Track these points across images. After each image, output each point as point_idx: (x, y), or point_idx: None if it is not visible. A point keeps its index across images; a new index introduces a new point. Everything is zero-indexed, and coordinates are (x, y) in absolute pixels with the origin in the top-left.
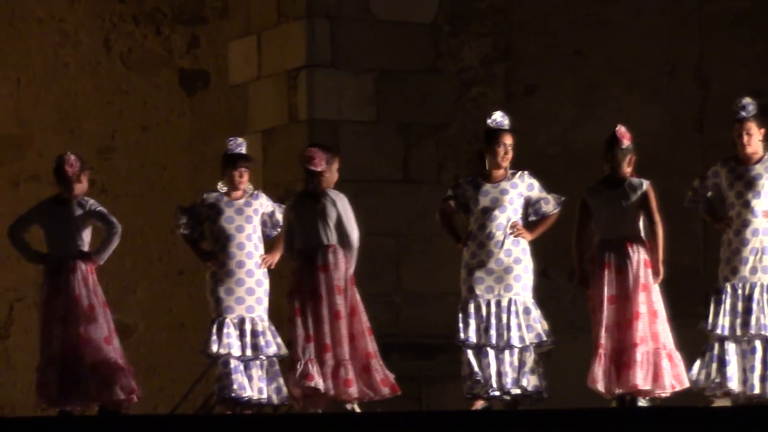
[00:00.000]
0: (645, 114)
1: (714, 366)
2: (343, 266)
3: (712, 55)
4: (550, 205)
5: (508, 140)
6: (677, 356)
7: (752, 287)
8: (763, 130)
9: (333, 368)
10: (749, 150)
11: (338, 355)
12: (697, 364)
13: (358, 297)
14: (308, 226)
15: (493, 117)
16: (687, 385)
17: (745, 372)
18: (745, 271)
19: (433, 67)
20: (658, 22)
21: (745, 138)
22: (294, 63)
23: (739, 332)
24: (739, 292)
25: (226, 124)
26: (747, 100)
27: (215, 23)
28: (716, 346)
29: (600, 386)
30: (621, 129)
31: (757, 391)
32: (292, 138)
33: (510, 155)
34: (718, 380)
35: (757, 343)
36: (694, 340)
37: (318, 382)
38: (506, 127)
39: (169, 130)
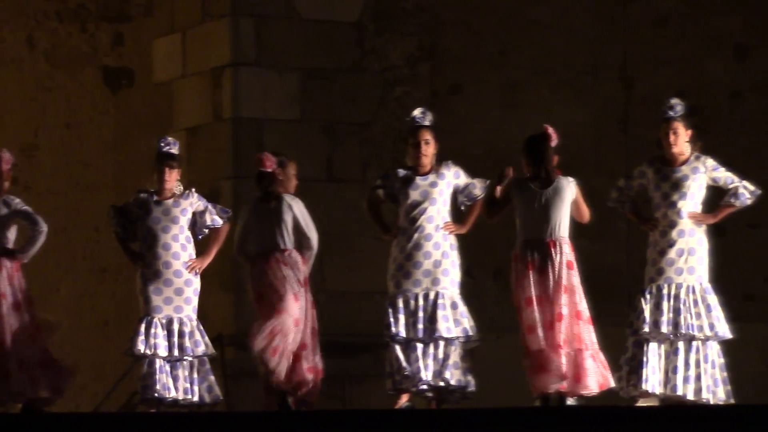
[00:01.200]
0: (569, 114)
1: (629, 367)
2: (301, 269)
3: (636, 56)
4: (478, 189)
5: (426, 136)
6: (601, 356)
7: (678, 288)
8: (689, 132)
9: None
10: (676, 150)
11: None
12: (619, 367)
13: (310, 297)
14: (264, 230)
15: (413, 114)
16: (612, 384)
17: (668, 373)
18: (671, 272)
19: (358, 66)
20: (582, 23)
21: (672, 137)
22: (219, 61)
23: (664, 332)
24: (664, 292)
25: (150, 122)
26: (675, 100)
27: (140, 21)
28: (633, 347)
29: (557, 384)
30: (550, 128)
31: (679, 392)
32: (216, 136)
33: (429, 150)
34: (633, 382)
35: (681, 345)
36: (618, 340)
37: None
38: (424, 123)
39: (92, 127)
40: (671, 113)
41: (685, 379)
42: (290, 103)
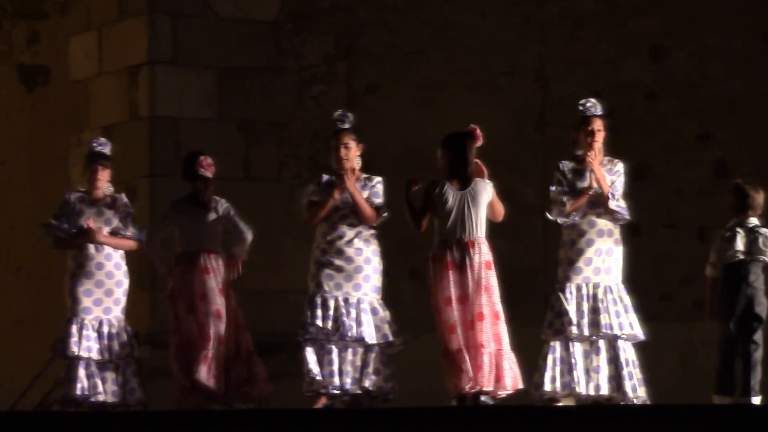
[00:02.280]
0: (486, 114)
1: (560, 369)
2: (224, 272)
3: (553, 56)
4: (379, 202)
5: (346, 140)
6: (513, 357)
7: (596, 287)
8: (606, 133)
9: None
10: (596, 147)
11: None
12: (546, 368)
13: (233, 302)
14: (193, 231)
15: (333, 116)
16: (522, 386)
17: (589, 372)
18: (589, 271)
19: (275, 65)
20: (500, 23)
21: (597, 135)
22: (135, 59)
23: (586, 333)
24: (584, 292)
25: (66, 120)
26: (594, 100)
27: (56, 18)
28: (559, 347)
29: (469, 384)
30: (477, 129)
31: (604, 392)
32: (132, 134)
33: (350, 155)
34: (566, 381)
35: (602, 344)
36: (533, 340)
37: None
38: (344, 127)
39: (8, 126)
40: (593, 111)
41: (611, 378)
42: (207, 102)
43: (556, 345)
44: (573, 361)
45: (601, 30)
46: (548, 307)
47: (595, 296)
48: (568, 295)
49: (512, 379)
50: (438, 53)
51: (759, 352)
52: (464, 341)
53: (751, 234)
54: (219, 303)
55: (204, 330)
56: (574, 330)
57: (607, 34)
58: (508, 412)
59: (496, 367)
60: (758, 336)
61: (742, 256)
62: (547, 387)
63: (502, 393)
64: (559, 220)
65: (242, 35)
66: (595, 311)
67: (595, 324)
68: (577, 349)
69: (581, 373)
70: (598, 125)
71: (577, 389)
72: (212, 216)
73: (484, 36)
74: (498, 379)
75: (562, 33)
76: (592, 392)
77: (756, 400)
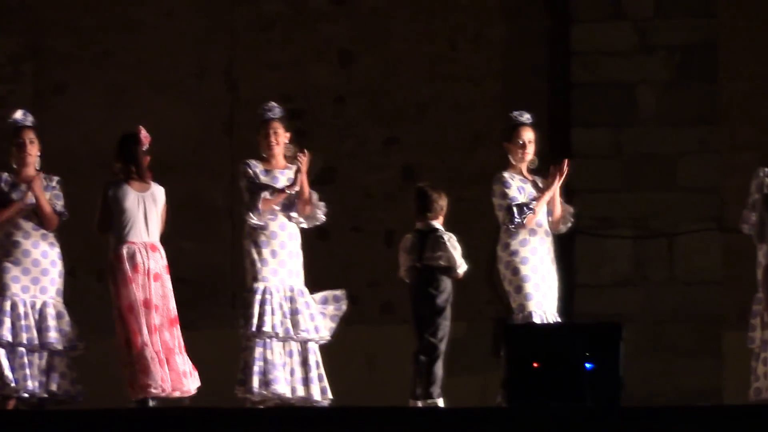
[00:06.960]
0: (174, 116)
1: (263, 368)
2: None
3: (242, 59)
4: (61, 202)
5: (30, 136)
6: (188, 359)
7: (290, 290)
8: (288, 134)
9: None
10: (278, 150)
11: None
12: (251, 369)
13: None
14: None
15: (14, 116)
16: (198, 384)
17: (287, 374)
18: (283, 273)
19: None
20: (189, 25)
21: (273, 138)
22: None
23: (290, 334)
24: (277, 293)
25: None
26: (273, 103)
27: None
28: (261, 348)
29: (161, 388)
30: (143, 130)
31: (300, 393)
32: None
33: (33, 150)
34: (269, 380)
35: (294, 346)
36: (220, 341)
37: None
38: (26, 124)
39: None
40: (270, 114)
41: (309, 380)
42: None
43: (258, 345)
44: (275, 361)
45: (291, 34)
46: (244, 308)
47: (291, 299)
48: (267, 296)
49: (194, 381)
50: (126, 54)
51: (440, 358)
52: (153, 345)
53: (433, 237)
54: None
55: None
56: (277, 330)
57: (296, 38)
58: (198, 414)
59: (175, 370)
60: (440, 340)
61: (427, 261)
62: (255, 389)
63: (181, 395)
64: (254, 219)
65: None
66: (292, 313)
67: (293, 326)
68: (277, 349)
69: (283, 374)
70: (275, 128)
71: (279, 390)
72: None
73: (173, 37)
74: (178, 381)
75: (251, 36)
76: (289, 394)
77: (440, 402)
